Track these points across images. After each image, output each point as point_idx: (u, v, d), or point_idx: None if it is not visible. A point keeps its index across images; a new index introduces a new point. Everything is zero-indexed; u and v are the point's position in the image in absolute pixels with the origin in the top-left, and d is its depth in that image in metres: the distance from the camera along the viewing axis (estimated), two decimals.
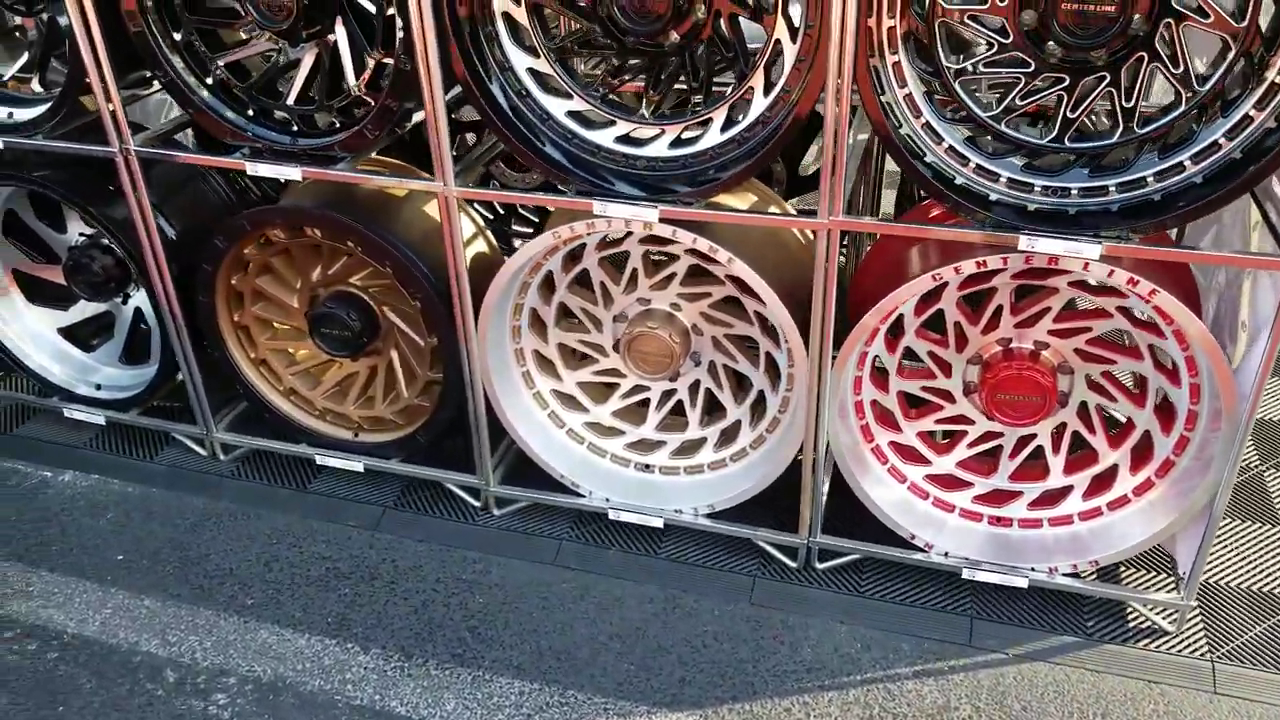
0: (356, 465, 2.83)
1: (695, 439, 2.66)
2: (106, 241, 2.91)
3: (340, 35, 2.29)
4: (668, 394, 2.64)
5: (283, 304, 2.73)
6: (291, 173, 2.39)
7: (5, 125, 2.61)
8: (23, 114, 2.62)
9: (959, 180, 2.00)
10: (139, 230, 2.60)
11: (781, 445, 2.48)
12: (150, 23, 2.34)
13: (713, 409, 2.64)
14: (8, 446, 3.06)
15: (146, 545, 2.67)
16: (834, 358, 2.24)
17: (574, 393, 2.69)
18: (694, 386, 2.60)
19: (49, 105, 2.52)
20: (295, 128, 2.43)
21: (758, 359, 2.50)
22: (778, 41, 2.02)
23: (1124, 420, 2.38)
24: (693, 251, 2.34)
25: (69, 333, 3.15)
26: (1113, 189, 1.95)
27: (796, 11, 1.97)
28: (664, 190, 2.19)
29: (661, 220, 2.16)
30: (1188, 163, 1.88)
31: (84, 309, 3.07)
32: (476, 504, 2.78)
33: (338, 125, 2.40)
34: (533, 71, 2.22)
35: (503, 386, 2.58)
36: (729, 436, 2.62)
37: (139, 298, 3.00)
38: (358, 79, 2.31)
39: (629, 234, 2.37)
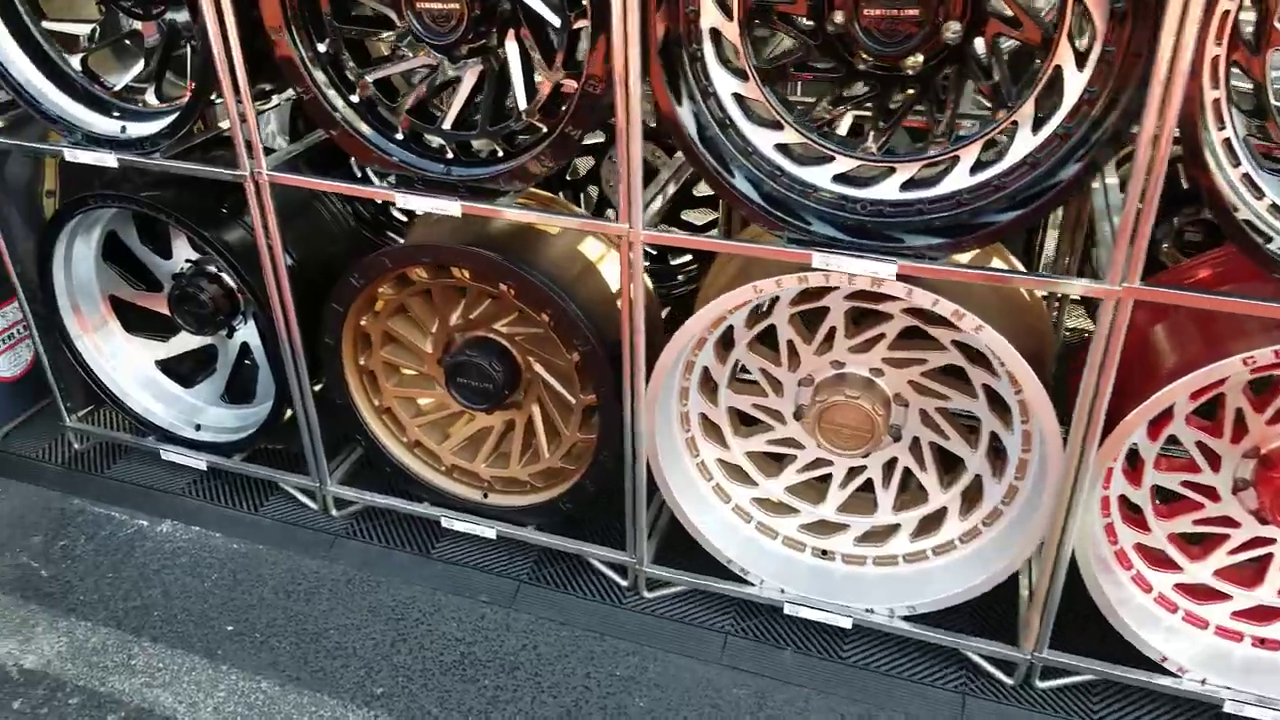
0: (488, 531, 2.56)
1: (887, 525, 2.34)
2: (214, 269, 2.69)
3: (511, 51, 2.02)
4: (854, 470, 2.33)
5: (415, 349, 2.48)
6: (449, 207, 2.13)
7: (119, 140, 2.39)
8: (138, 128, 2.40)
9: None
10: (264, 261, 2.36)
11: (1005, 541, 2.16)
12: (293, 30, 2.09)
13: (907, 488, 2.33)
14: (100, 490, 2.85)
15: (258, 615, 2.43)
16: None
17: (742, 463, 2.39)
18: (889, 464, 2.29)
19: (172, 120, 2.29)
20: (449, 155, 2.17)
21: (975, 438, 2.18)
22: (1057, 68, 1.71)
23: None
24: (914, 312, 2.03)
25: (166, 367, 2.93)
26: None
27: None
28: (886, 238, 1.89)
29: (899, 277, 1.85)
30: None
31: (185, 341, 2.85)
32: (624, 583, 2.50)
33: (500, 154, 2.13)
34: (738, 97, 1.94)
35: (666, 454, 2.30)
36: (930, 525, 2.31)
37: (246, 332, 2.77)
38: (530, 101, 2.04)
39: (834, 288, 2.07)
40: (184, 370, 2.94)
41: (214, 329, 2.73)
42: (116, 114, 2.45)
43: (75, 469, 2.92)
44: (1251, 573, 2.12)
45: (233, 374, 2.86)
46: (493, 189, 2.13)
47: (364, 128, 2.19)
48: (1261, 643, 2.13)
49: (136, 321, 2.90)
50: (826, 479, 2.37)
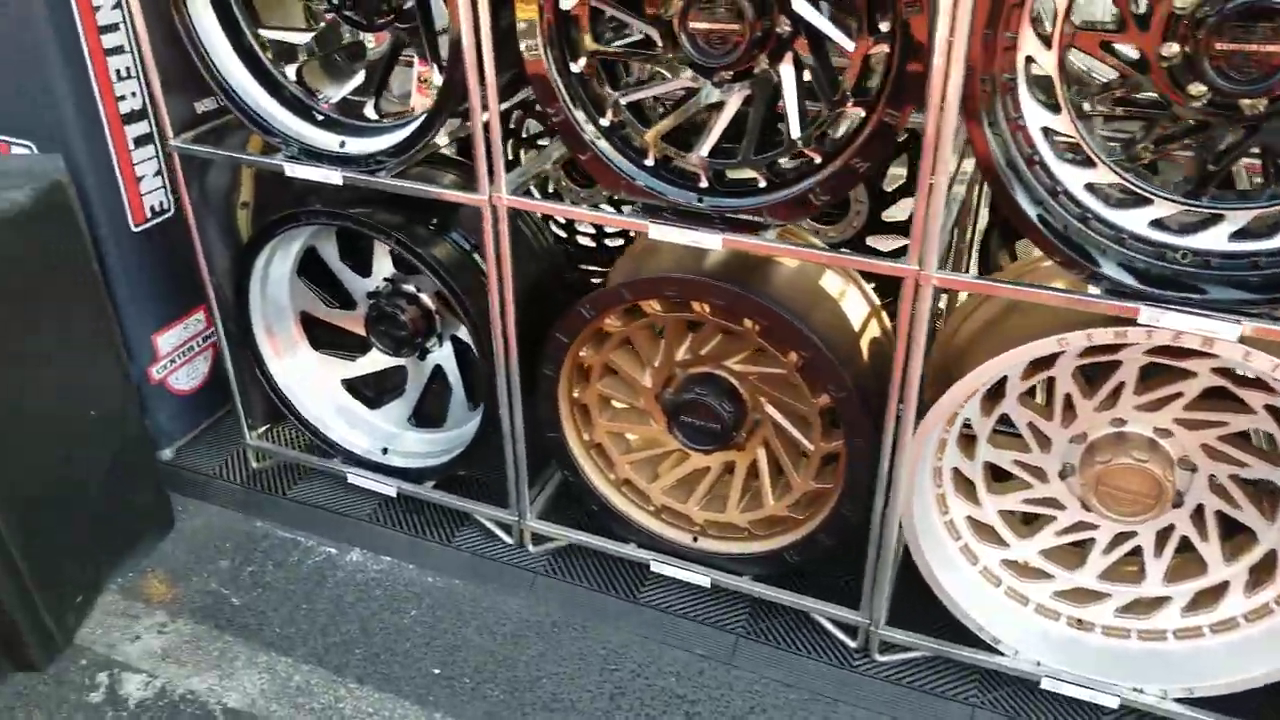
0: (702, 579, 2.45)
1: (1155, 596, 2.18)
2: (412, 289, 2.61)
3: (787, 76, 1.90)
4: (1121, 536, 2.17)
5: (634, 382, 2.37)
6: (705, 240, 2.01)
7: (340, 156, 2.32)
8: (359, 144, 2.33)
9: None
10: (492, 289, 2.27)
11: None
12: (549, 47, 1.99)
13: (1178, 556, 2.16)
14: (284, 512, 2.80)
15: (464, 657, 2.35)
16: None
17: (994, 522, 2.24)
18: (1164, 532, 2.12)
19: (405, 136, 2.21)
20: (703, 184, 2.05)
21: (1270, 508, 2.00)
22: None
23: None
24: (1222, 371, 1.87)
25: (350, 386, 2.86)
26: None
27: None
28: (1210, 293, 1.73)
29: (1242, 339, 1.69)
30: None
31: (373, 361, 2.77)
32: (852, 644, 2.36)
33: (763, 184, 2.01)
34: (1046, 131, 1.79)
35: (918, 510, 2.16)
36: (1207, 599, 2.14)
37: (440, 354, 2.69)
38: (805, 129, 1.91)
39: (1133, 342, 1.91)
40: (369, 391, 2.87)
41: (410, 351, 2.65)
42: (332, 128, 2.38)
43: (256, 489, 2.87)
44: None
45: (421, 397, 2.78)
46: (754, 222, 2.01)
47: (613, 152, 2.08)
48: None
49: (323, 339, 2.84)
50: (1085, 543, 2.21)
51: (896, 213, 2.92)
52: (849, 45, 1.82)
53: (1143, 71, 1.69)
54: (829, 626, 2.39)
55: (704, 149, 2.03)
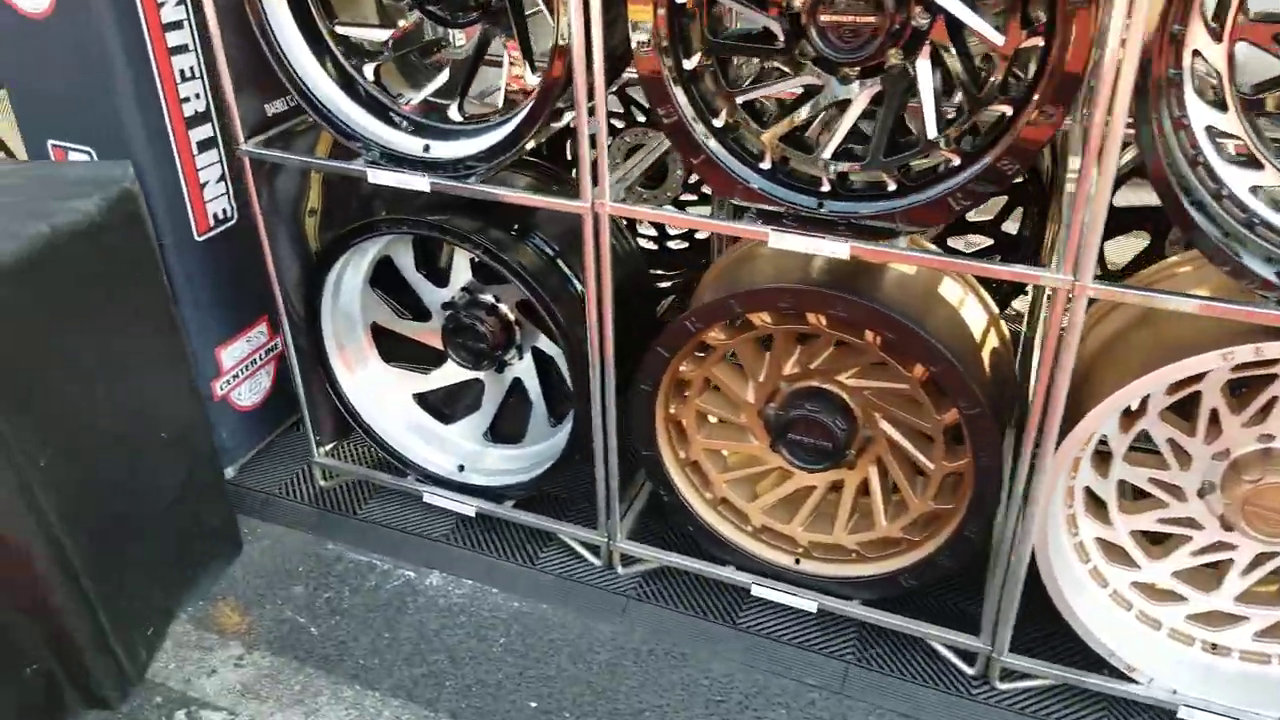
0: (808, 604, 2.34)
1: None
2: (491, 299, 2.50)
3: (923, 71, 1.78)
4: (1263, 556, 2.06)
5: (736, 397, 2.26)
6: (831, 248, 1.89)
7: (425, 161, 2.20)
8: (445, 148, 2.21)
9: None
10: (590, 302, 2.15)
11: None
12: (663, 44, 1.87)
13: None
14: (356, 533, 2.69)
15: (560, 689, 2.24)
16: None
17: (1125, 543, 2.13)
18: None
19: (501, 139, 2.09)
20: (824, 188, 1.94)
21: None
22: None
23: None
24: None
25: (423, 401, 2.75)
26: None
27: None
28: None
29: None
30: None
31: (447, 375, 2.66)
32: (970, 671, 2.26)
33: (892, 187, 1.89)
34: (1210, 130, 1.68)
35: (1050, 532, 2.05)
36: None
37: (519, 367, 2.58)
38: (942, 129, 1.80)
39: None
40: (442, 406, 2.76)
41: (490, 364, 2.54)
42: (416, 131, 2.26)
43: (325, 508, 2.76)
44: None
45: (498, 412, 2.67)
46: (883, 228, 1.89)
47: (727, 155, 1.97)
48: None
49: (394, 351, 2.73)
50: (1222, 564, 2.10)
51: (978, 213, 2.81)
52: (998, 40, 1.70)
53: None
54: (944, 652, 2.29)
55: (828, 150, 1.92)
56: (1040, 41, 1.67)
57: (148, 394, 2.25)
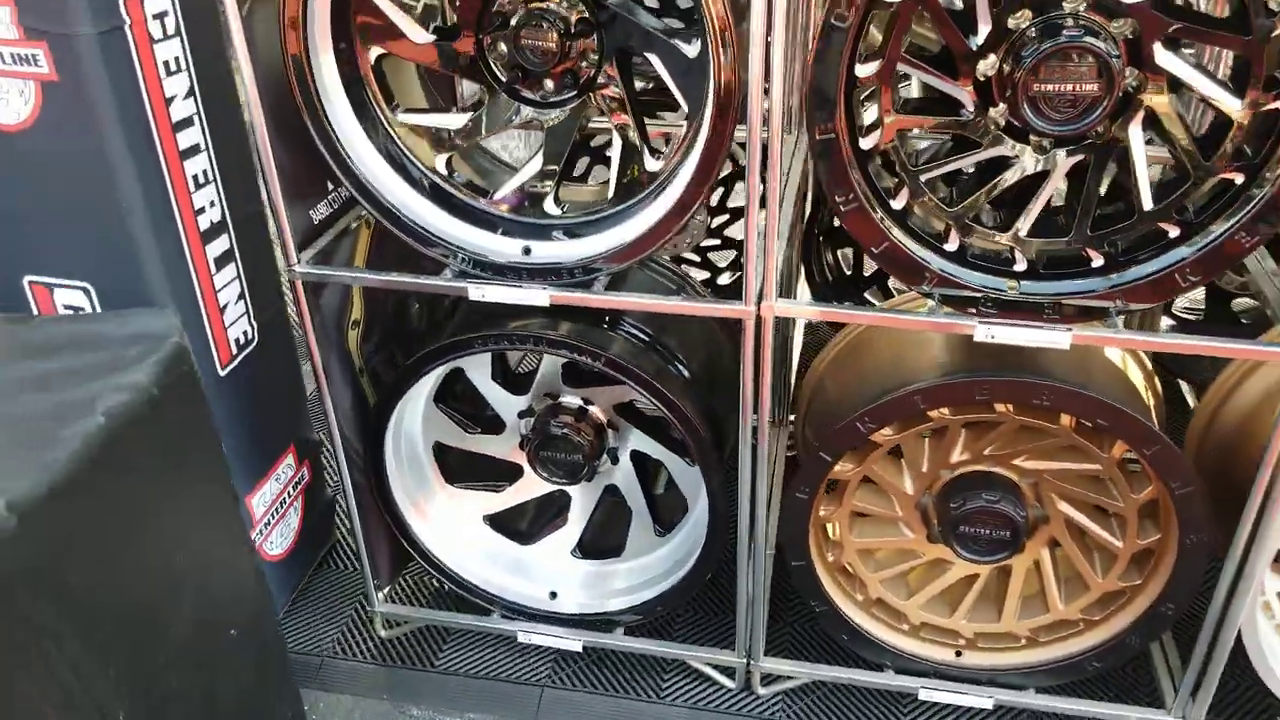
0: (982, 701, 2.20)
1: None
2: (579, 403, 2.23)
3: (1136, 139, 1.65)
4: None
5: (895, 491, 2.08)
6: (1049, 338, 1.74)
7: (528, 268, 1.90)
8: (550, 249, 1.92)
9: None
10: (747, 408, 1.92)
11: None
12: (845, 119, 1.67)
13: None
14: (440, 689, 2.36)
15: None
16: None
17: None
18: None
19: (634, 238, 1.82)
20: (1019, 266, 1.78)
21: None
22: None
23: None
24: None
25: (496, 522, 2.44)
26: None
27: None
28: None
29: None
30: None
31: (526, 489, 2.36)
32: None
33: (1098, 264, 1.75)
34: None
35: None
36: None
37: (615, 473, 2.32)
38: (1159, 201, 1.67)
39: None
40: (514, 524, 2.45)
41: (588, 475, 2.26)
42: (511, 231, 1.96)
43: (395, 663, 2.41)
44: None
45: (587, 524, 2.40)
46: (1098, 308, 1.75)
47: (909, 240, 1.78)
48: None
49: (458, 470, 2.40)
50: None
51: None
52: (1235, 105, 1.59)
53: None
54: None
55: (1024, 227, 1.76)
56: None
57: (215, 590, 1.86)
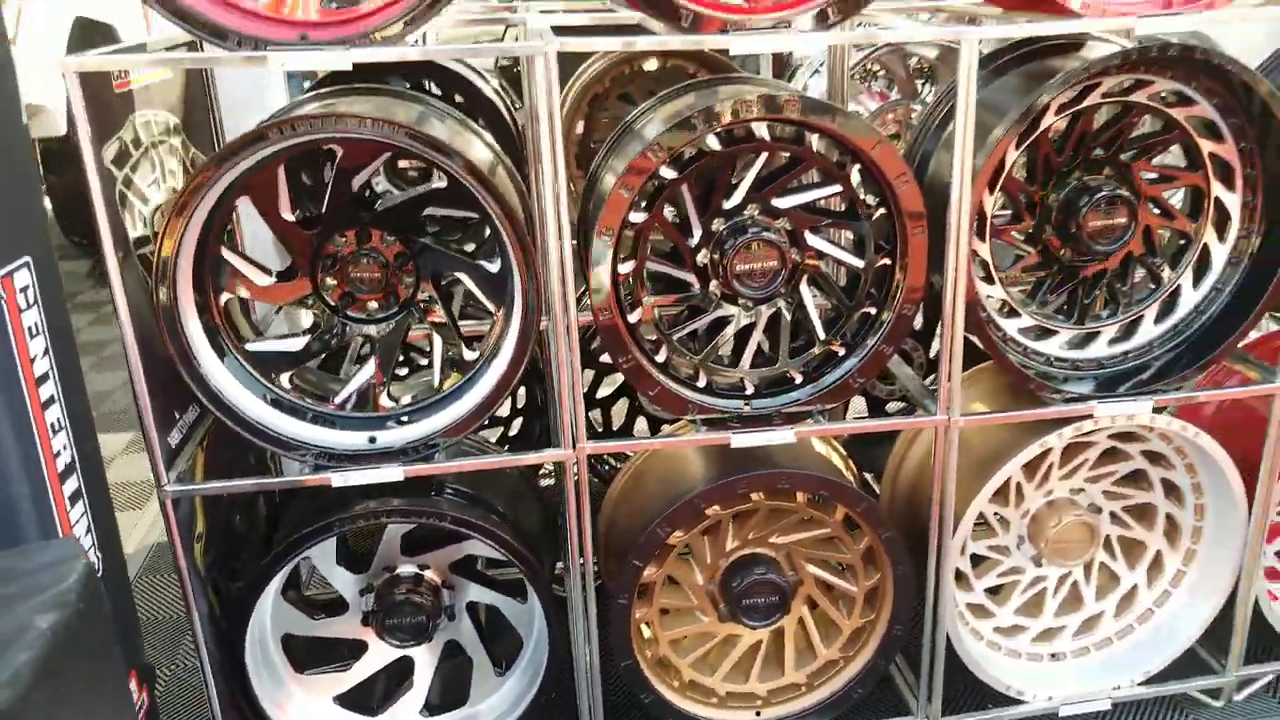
0: None
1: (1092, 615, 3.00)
2: (414, 568, 2.63)
3: (807, 294, 2.47)
4: (1063, 578, 2.97)
5: (691, 584, 2.67)
6: (781, 436, 2.46)
7: (376, 453, 2.33)
8: (390, 436, 2.37)
9: None
10: (574, 544, 2.43)
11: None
12: (619, 305, 2.33)
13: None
14: None
15: None
16: None
17: (982, 600, 2.92)
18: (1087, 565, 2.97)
19: (466, 413, 2.33)
20: (749, 390, 2.51)
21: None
22: (1205, 246, 2.61)
23: None
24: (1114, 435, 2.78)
25: (347, 700, 2.69)
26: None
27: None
28: (1115, 385, 2.63)
29: (1155, 409, 2.59)
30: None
31: (373, 662, 2.66)
32: None
33: (798, 380, 2.52)
34: (992, 298, 2.59)
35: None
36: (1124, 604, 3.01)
37: (453, 628, 2.69)
38: (828, 332, 2.49)
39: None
40: (367, 698, 2.71)
41: (430, 634, 2.61)
42: (348, 425, 2.38)
43: None
44: None
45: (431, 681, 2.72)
46: (802, 412, 2.50)
47: (672, 383, 2.45)
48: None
49: (303, 659, 2.64)
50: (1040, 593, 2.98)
51: None
52: (859, 264, 2.46)
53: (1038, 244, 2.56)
54: None
55: (746, 362, 2.50)
56: (889, 260, 2.45)
57: None
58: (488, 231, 2.36)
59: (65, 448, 2.28)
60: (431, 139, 2.09)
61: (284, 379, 2.37)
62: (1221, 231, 2.60)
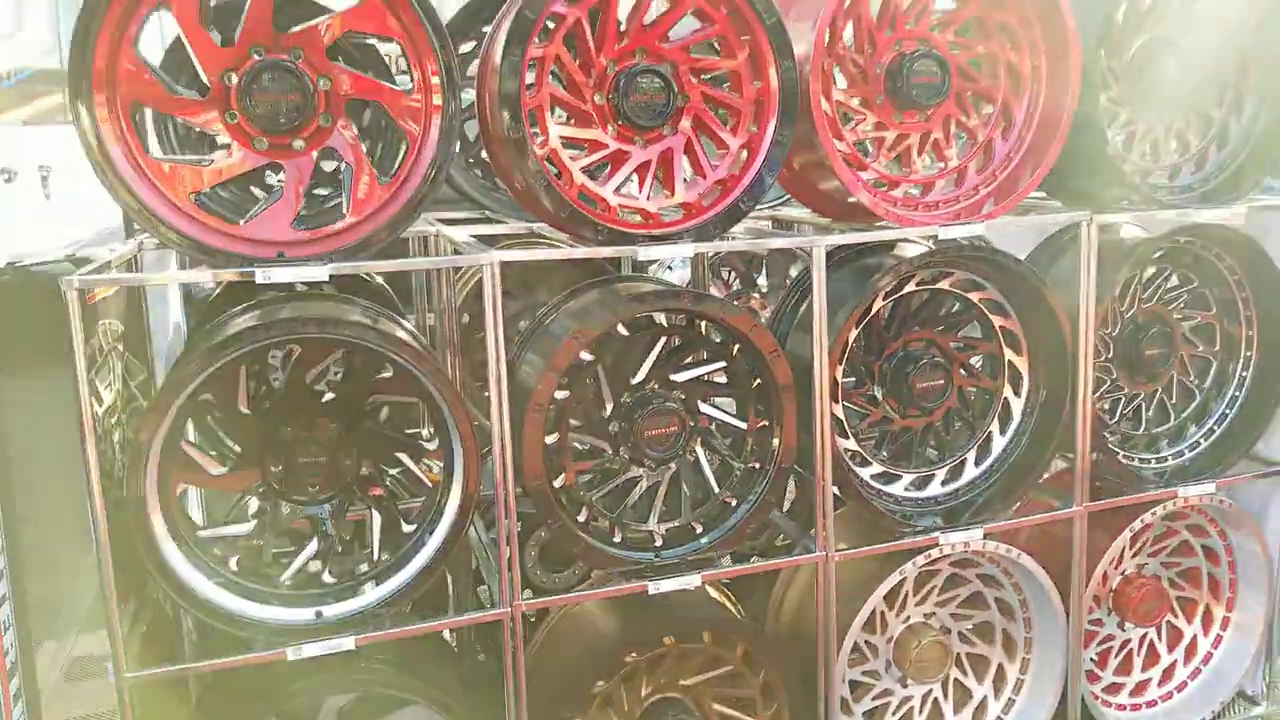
0: None
1: None
2: None
3: (700, 454, 2.91)
4: (927, 695, 3.42)
5: None
6: (691, 581, 2.82)
7: (327, 625, 2.52)
8: (339, 608, 2.56)
9: None
10: (510, 700, 2.66)
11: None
12: (547, 475, 2.68)
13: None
14: None
15: None
16: None
17: None
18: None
19: (405, 582, 2.56)
20: (658, 542, 2.88)
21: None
22: (1005, 399, 3.28)
23: None
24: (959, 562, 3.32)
25: None
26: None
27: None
28: (953, 519, 3.19)
29: (985, 536, 3.15)
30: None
31: None
32: None
33: (699, 530, 2.92)
34: (848, 450, 3.12)
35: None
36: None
37: None
38: (721, 486, 2.92)
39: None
40: None
41: None
42: (291, 604, 2.55)
43: None
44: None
45: None
46: (707, 558, 2.89)
47: (594, 541, 2.78)
48: None
49: None
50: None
51: None
52: (743, 425, 2.93)
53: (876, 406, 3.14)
54: None
55: (653, 519, 2.88)
56: (766, 422, 2.94)
57: None
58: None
59: (11, 644, 2.34)
60: (401, 341, 2.43)
61: (232, 562, 2.53)
62: (1016, 388, 3.27)
